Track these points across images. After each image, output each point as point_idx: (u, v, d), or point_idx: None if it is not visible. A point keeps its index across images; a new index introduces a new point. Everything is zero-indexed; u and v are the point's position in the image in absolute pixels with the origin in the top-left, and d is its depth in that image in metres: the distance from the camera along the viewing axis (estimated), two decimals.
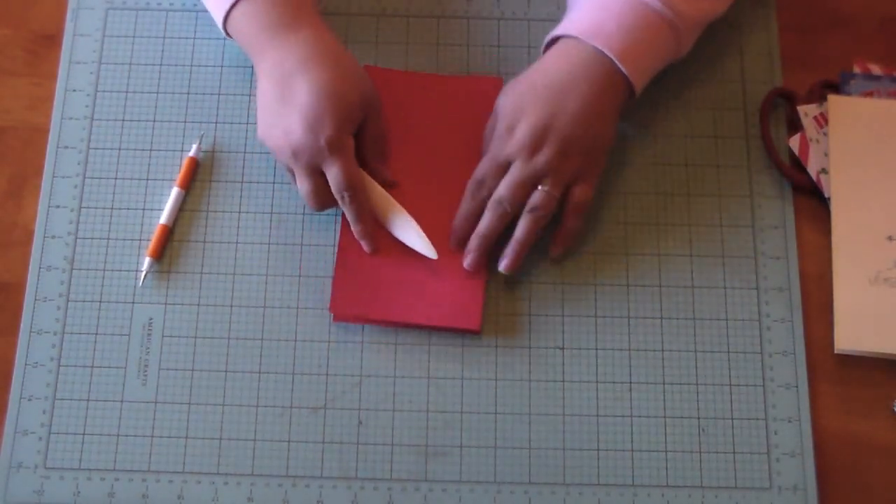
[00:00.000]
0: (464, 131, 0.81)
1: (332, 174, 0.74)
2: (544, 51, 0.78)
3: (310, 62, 0.74)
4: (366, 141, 0.77)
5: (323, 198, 0.75)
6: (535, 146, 0.73)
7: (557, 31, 0.76)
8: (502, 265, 0.76)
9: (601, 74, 0.74)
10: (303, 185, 0.75)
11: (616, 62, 0.73)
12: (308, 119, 0.72)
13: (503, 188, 0.74)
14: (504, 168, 0.75)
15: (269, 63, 0.75)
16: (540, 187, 0.74)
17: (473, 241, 0.76)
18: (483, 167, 0.76)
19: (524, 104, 0.74)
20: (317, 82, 0.73)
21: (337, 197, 0.75)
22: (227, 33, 0.78)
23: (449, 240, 0.78)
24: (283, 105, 0.74)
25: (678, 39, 0.76)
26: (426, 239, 0.76)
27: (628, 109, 0.79)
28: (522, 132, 0.74)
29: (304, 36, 0.75)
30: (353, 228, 0.77)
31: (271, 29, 0.75)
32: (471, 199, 0.76)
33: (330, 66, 0.74)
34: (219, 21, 0.77)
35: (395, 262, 0.78)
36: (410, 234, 0.76)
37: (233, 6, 0.75)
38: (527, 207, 0.74)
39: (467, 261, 0.76)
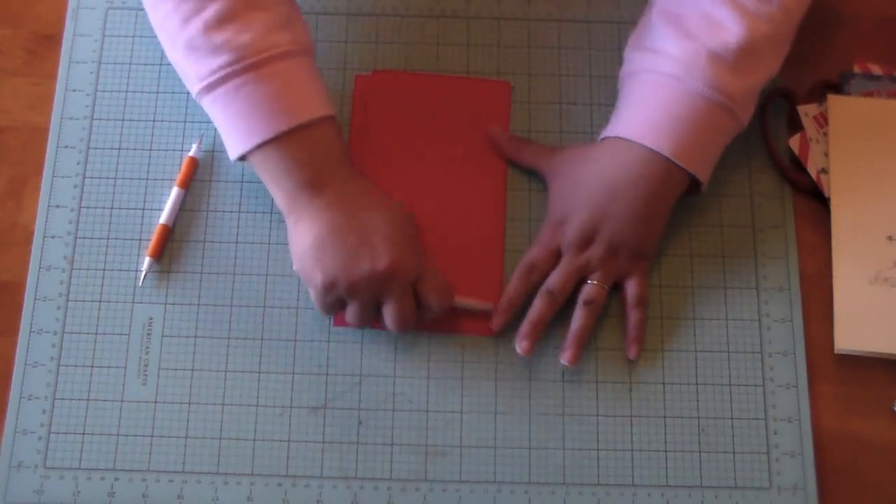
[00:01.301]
0: (471, 134, 0.81)
1: (428, 288, 0.73)
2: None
3: (376, 200, 0.74)
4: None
5: (414, 317, 0.74)
6: (583, 243, 0.75)
7: (608, 132, 0.76)
8: (565, 358, 0.75)
9: (659, 174, 0.73)
10: (402, 306, 0.72)
11: (673, 160, 0.72)
12: (396, 241, 0.71)
13: (554, 279, 0.75)
14: (554, 255, 0.76)
15: (334, 195, 0.72)
16: (589, 280, 0.75)
17: (526, 327, 0.75)
18: (534, 253, 0.76)
19: (575, 200, 0.75)
20: (391, 208, 0.73)
21: (428, 312, 0.74)
22: (245, 158, 0.73)
23: (468, 242, 0.78)
24: (363, 235, 0.71)
25: (735, 118, 0.74)
26: (487, 304, 0.77)
27: None
28: (572, 228, 0.75)
29: (361, 180, 0.75)
30: (425, 323, 0.75)
31: (329, 162, 0.73)
32: (519, 281, 0.76)
33: (395, 206, 0.74)
34: (246, 145, 0.72)
35: None
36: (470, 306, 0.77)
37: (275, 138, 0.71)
38: (581, 300, 0.75)
39: (521, 347, 0.75)
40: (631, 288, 0.76)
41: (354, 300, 0.72)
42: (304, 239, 0.72)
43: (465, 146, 0.81)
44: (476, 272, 0.78)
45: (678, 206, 0.79)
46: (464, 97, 0.83)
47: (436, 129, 0.82)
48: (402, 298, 0.72)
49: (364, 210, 0.72)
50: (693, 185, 0.76)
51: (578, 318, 0.75)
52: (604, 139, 0.76)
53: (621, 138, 0.74)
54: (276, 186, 0.73)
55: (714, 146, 0.75)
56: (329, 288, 0.71)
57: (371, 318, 0.73)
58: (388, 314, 0.72)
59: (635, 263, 0.76)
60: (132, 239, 0.80)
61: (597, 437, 0.75)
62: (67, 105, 0.83)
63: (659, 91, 0.73)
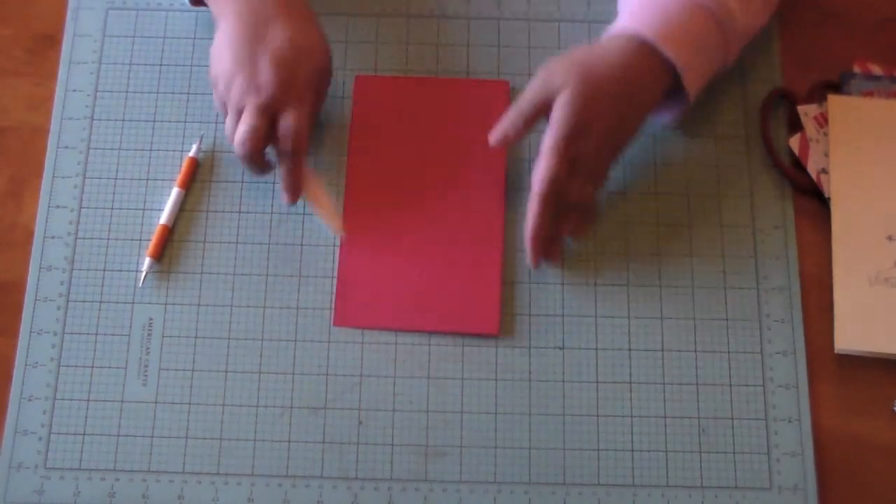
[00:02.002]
0: (471, 135, 0.81)
1: (289, 121, 0.73)
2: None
3: (289, 14, 0.75)
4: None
5: (259, 142, 0.73)
6: (599, 152, 0.74)
7: (618, 29, 0.75)
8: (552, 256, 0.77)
9: (646, 62, 0.73)
10: (248, 124, 0.72)
11: (659, 46, 0.73)
12: (283, 63, 0.73)
13: (572, 190, 0.74)
14: (572, 164, 0.73)
15: (242, 4, 0.75)
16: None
17: (536, 242, 0.75)
18: (557, 170, 0.72)
19: (596, 110, 0.73)
20: (297, 32, 0.74)
21: (282, 144, 0.74)
22: None
23: (468, 241, 0.78)
24: (256, 44, 0.73)
25: (726, 43, 0.75)
26: (337, 217, 0.78)
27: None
28: (592, 143, 0.73)
29: None
30: (284, 180, 0.76)
31: None
32: (547, 207, 0.74)
33: (308, 22, 0.76)
34: None
35: (401, 266, 0.78)
36: (323, 209, 0.77)
37: None
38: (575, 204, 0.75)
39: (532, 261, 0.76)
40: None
41: (227, 106, 0.74)
42: (214, 43, 0.76)
43: (465, 147, 0.81)
44: (476, 270, 0.78)
45: (678, 206, 0.79)
46: (463, 98, 0.83)
47: (435, 129, 0.82)
48: (252, 117, 0.72)
49: (267, 21, 0.74)
50: (679, 95, 0.76)
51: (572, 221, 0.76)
52: (612, 38, 0.75)
53: (629, 36, 0.74)
54: None
55: (706, 58, 0.75)
56: (214, 85, 0.75)
57: (253, 134, 0.73)
58: (237, 130, 0.73)
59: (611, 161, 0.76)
60: (132, 239, 0.80)
61: (597, 437, 0.75)
62: (67, 105, 0.83)
63: None
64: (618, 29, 0.75)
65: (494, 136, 0.75)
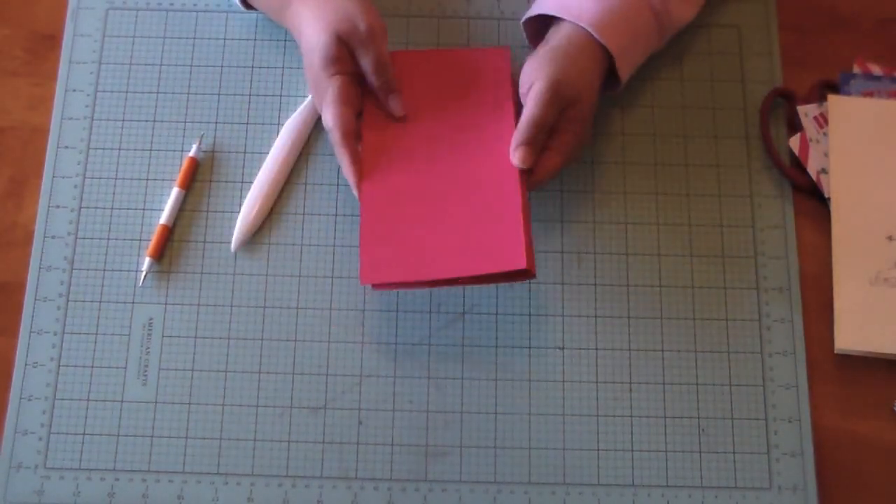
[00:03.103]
0: (476, 102, 0.80)
1: (372, 57, 0.77)
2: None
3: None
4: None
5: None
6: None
7: (551, 9, 0.78)
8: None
9: (589, 55, 0.77)
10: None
11: (606, 46, 0.76)
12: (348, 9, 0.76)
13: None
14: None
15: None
16: None
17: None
18: (544, 118, 0.75)
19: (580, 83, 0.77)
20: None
21: (375, 74, 0.77)
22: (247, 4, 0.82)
23: (486, 186, 0.76)
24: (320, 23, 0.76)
25: (661, 28, 0.78)
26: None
27: (623, 103, 0.79)
28: (582, 110, 0.76)
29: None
30: (382, 91, 0.78)
31: None
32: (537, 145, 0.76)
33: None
34: None
35: (422, 217, 0.75)
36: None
37: None
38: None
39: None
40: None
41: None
42: (304, 46, 0.78)
43: (472, 114, 0.79)
44: (497, 210, 0.74)
45: (678, 206, 0.79)
46: (466, 66, 0.82)
47: (441, 100, 0.80)
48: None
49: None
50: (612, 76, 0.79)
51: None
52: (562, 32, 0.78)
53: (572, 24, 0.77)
54: (267, 9, 0.82)
55: (638, 49, 0.79)
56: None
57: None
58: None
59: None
60: (132, 239, 0.80)
61: (597, 437, 0.75)
62: (67, 105, 0.83)
63: None
64: (565, 16, 0.78)
65: (516, 157, 0.75)
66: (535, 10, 0.80)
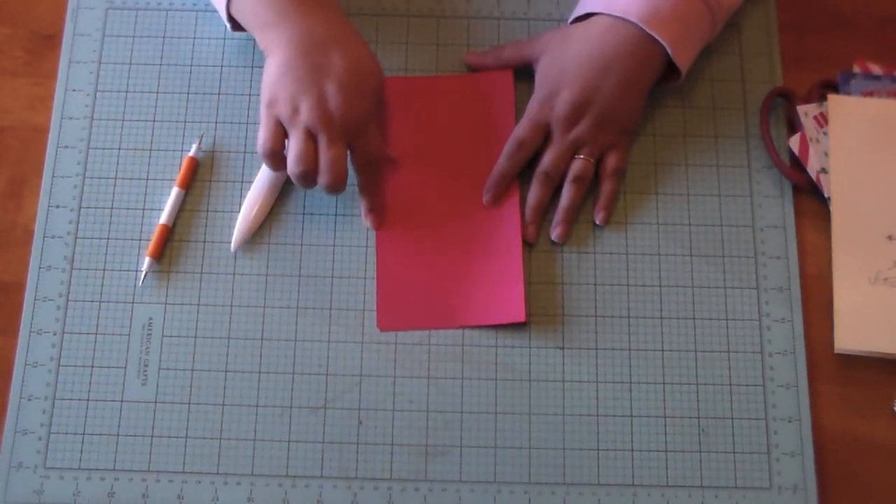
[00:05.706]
0: (480, 128, 0.81)
1: (366, 144, 0.75)
2: (574, 20, 0.81)
3: (343, 37, 0.75)
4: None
5: (345, 169, 0.73)
6: (574, 118, 0.78)
7: (594, 6, 0.79)
8: (556, 234, 0.79)
9: (643, 50, 0.77)
10: (332, 152, 0.72)
11: (659, 39, 0.76)
12: (349, 88, 0.73)
13: (548, 161, 0.78)
14: (543, 130, 0.78)
15: (294, 32, 0.74)
16: (576, 156, 0.78)
17: (530, 214, 0.79)
18: (523, 129, 0.79)
19: (566, 75, 0.78)
20: (356, 58, 0.74)
21: (363, 168, 0.77)
22: (230, 14, 0.78)
23: (490, 236, 0.79)
24: (317, 72, 0.73)
25: (713, 18, 0.78)
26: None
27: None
28: (564, 103, 0.77)
29: (329, 15, 0.76)
30: (367, 203, 0.78)
31: (292, 3, 0.75)
32: (509, 160, 0.79)
33: (361, 45, 0.76)
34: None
35: (433, 268, 0.78)
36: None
37: None
38: (570, 177, 0.79)
39: (529, 233, 0.78)
40: (611, 160, 0.79)
41: (292, 130, 0.72)
42: (266, 73, 0.74)
43: (475, 140, 0.81)
44: (499, 263, 0.78)
45: (678, 205, 0.79)
46: (468, 92, 0.83)
47: (444, 127, 0.82)
48: (332, 146, 0.72)
49: (324, 49, 0.74)
50: (671, 71, 0.79)
51: (568, 194, 0.79)
52: (590, 16, 0.79)
53: (609, 15, 0.77)
54: (252, 28, 0.77)
55: (693, 38, 0.78)
56: (269, 104, 0.73)
57: (308, 161, 0.72)
58: (321, 159, 0.73)
59: (619, 138, 0.79)
60: (132, 239, 0.80)
61: (597, 437, 0.75)
62: (67, 105, 0.83)
63: None
64: (617, 11, 0.77)
65: (470, 58, 0.83)
66: (580, 10, 0.80)
